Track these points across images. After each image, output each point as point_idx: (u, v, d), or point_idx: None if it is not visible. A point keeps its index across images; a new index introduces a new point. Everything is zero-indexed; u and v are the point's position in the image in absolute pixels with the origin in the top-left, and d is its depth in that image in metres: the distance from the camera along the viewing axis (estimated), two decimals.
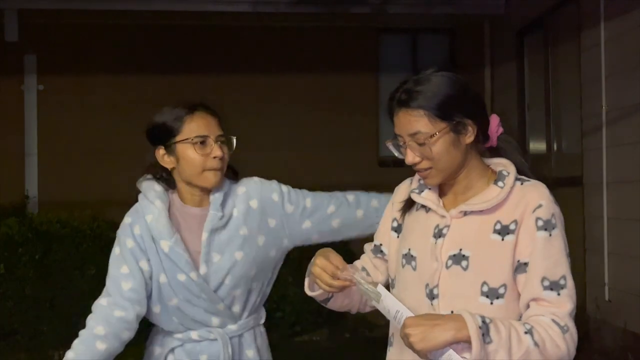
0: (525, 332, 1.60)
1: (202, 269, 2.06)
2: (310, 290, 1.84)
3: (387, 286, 1.85)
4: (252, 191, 2.14)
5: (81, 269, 5.77)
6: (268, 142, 6.84)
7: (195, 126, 2.08)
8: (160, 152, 2.16)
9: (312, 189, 2.27)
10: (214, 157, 2.06)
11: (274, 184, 2.19)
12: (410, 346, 1.57)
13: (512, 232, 1.66)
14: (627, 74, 4.78)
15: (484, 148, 1.80)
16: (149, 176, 2.19)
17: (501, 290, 1.66)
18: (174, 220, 2.09)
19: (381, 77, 7.31)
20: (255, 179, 2.19)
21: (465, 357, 1.56)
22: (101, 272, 6.85)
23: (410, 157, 1.71)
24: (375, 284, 1.71)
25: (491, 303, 1.66)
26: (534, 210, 1.66)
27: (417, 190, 1.81)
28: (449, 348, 1.57)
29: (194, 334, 2.12)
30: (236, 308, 2.11)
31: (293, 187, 2.25)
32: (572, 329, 1.64)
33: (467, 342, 1.56)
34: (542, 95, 6.19)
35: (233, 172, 2.21)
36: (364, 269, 1.91)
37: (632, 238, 4.69)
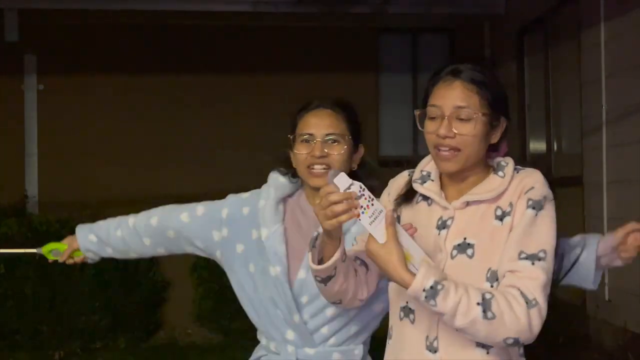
0: (478, 303, 1.58)
1: (301, 274, 1.99)
2: (316, 263, 1.73)
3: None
4: None
5: (81, 269, 5.76)
6: (268, 142, 6.83)
7: (304, 123, 2.04)
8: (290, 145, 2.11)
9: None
10: (313, 156, 1.99)
11: None
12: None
13: (509, 214, 1.69)
14: (627, 74, 4.77)
15: (491, 155, 1.81)
16: (279, 169, 2.16)
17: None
18: (292, 217, 2.06)
19: (381, 77, 7.31)
20: None
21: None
22: (101, 272, 6.87)
23: (445, 130, 1.68)
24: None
25: (491, 286, 1.66)
26: (526, 192, 1.69)
27: (419, 181, 1.80)
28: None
29: (272, 345, 2.06)
30: (324, 330, 2.00)
31: None
32: (542, 305, 1.61)
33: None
34: (542, 95, 6.19)
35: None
36: (357, 259, 1.84)
37: None
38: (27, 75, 6.77)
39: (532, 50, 6.52)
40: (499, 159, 1.79)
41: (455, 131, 1.68)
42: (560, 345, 5.09)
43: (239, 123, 6.89)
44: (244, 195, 2.16)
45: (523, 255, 1.65)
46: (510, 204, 1.69)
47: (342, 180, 1.59)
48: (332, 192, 1.59)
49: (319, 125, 2.01)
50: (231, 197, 2.17)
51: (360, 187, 1.60)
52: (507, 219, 1.69)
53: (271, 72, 6.98)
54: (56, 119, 6.74)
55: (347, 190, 1.59)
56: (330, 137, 2.01)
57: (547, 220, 1.68)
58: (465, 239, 1.70)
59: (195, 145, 6.83)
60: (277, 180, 2.10)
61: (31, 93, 6.78)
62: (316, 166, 1.99)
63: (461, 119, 1.69)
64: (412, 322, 1.75)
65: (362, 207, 1.59)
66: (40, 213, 6.42)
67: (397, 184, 1.88)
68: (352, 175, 1.92)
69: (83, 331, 5.79)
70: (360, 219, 1.61)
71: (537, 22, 6.26)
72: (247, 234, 2.07)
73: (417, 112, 1.78)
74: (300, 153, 2.01)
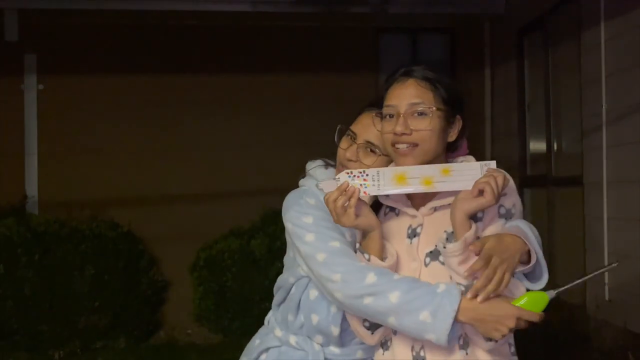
0: None
1: None
2: None
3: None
4: None
5: (81, 269, 5.77)
6: (268, 142, 6.83)
7: (356, 123, 1.99)
8: None
9: None
10: (350, 160, 1.94)
11: None
12: None
13: (480, 219, 1.70)
14: (627, 74, 4.77)
15: (451, 155, 1.82)
16: (320, 161, 2.10)
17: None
18: None
19: (381, 77, 7.30)
20: None
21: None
22: (100, 272, 6.85)
23: (402, 127, 1.70)
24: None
25: None
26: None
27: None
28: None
29: (292, 339, 2.04)
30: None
31: (292, 186, 2.20)
32: None
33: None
34: (542, 95, 6.18)
35: None
36: None
37: (632, 238, 4.69)
38: (27, 75, 6.76)
39: (532, 50, 6.52)
40: (460, 158, 1.80)
41: (412, 127, 1.70)
42: (560, 345, 5.09)
43: (239, 123, 6.90)
44: (300, 201, 1.98)
45: None
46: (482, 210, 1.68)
47: (330, 184, 1.68)
48: (328, 195, 1.68)
49: (364, 126, 1.95)
50: (296, 211, 1.96)
51: (347, 173, 1.69)
52: (478, 224, 1.69)
53: (271, 72, 6.98)
54: (56, 119, 6.73)
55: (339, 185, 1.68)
56: (369, 145, 1.95)
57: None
58: (436, 245, 1.71)
59: (195, 145, 6.83)
60: (323, 175, 2.03)
61: (31, 93, 6.78)
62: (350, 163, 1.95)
63: (416, 115, 1.71)
64: (394, 333, 1.78)
65: (361, 185, 1.67)
66: (39, 213, 6.42)
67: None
68: None
69: (83, 331, 5.78)
70: (368, 194, 1.68)
71: (537, 22, 6.26)
72: None
73: (373, 114, 1.80)
74: (342, 148, 1.99)
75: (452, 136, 1.76)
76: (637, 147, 4.65)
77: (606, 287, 5.03)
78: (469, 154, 1.84)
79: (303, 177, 2.13)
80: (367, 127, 1.93)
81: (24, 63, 6.75)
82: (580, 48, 5.41)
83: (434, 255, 1.71)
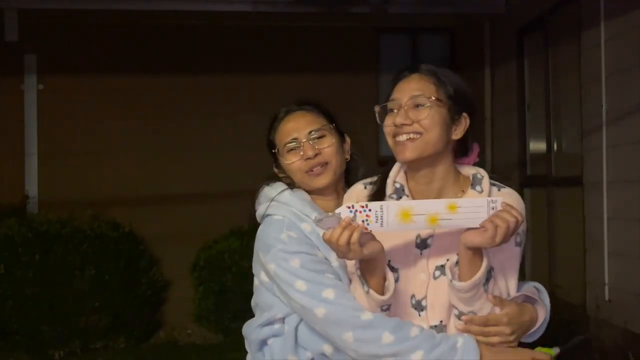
0: None
1: None
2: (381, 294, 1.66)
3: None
4: None
5: (81, 269, 5.77)
6: None
7: (284, 133, 1.96)
8: (275, 164, 2.00)
9: None
10: (309, 158, 1.90)
11: None
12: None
13: None
14: (627, 74, 4.77)
15: (459, 160, 1.79)
16: (281, 184, 1.96)
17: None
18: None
19: (381, 77, 7.31)
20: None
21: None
22: (101, 272, 6.84)
23: (402, 118, 1.69)
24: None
25: None
26: None
27: (395, 196, 1.75)
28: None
29: (326, 347, 1.81)
30: None
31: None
32: None
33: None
34: (542, 95, 6.18)
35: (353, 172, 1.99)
36: None
37: (632, 238, 4.69)
38: (27, 75, 6.76)
39: (532, 50, 6.52)
40: (472, 170, 1.77)
41: (412, 117, 1.68)
42: (560, 345, 5.09)
43: (239, 123, 6.89)
44: (282, 236, 1.87)
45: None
46: None
47: (330, 221, 1.56)
48: (329, 234, 1.58)
49: (299, 127, 1.94)
50: (285, 244, 1.86)
51: (348, 207, 1.57)
52: (492, 248, 1.66)
53: (271, 72, 6.98)
54: (56, 119, 6.73)
55: (340, 220, 1.56)
56: (315, 134, 1.94)
57: (520, 256, 1.73)
58: (448, 260, 1.68)
59: (195, 145, 6.83)
60: (304, 199, 1.92)
61: (31, 93, 6.77)
62: (314, 168, 1.91)
63: (416, 106, 1.69)
64: None
65: (363, 221, 1.56)
66: (40, 213, 6.42)
67: (352, 198, 1.80)
68: (347, 165, 1.96)
69: (83, 331, 5.78)
70: (370, 230, 1.58)
71: (537, 22, 6.26)
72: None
73: (376, 109, 1.79)
74: (292, 162, 1.92)
75: (458, 134, 1.73)
76: (637, 147, 4.65)
77: (606, 287, 5.03)
78: (478, 158, 1.81)
79: (257, 202, 2.01)
80: (287, 132, 1.94)
81: (24, 63, 6.75)
82: (580, 48, 5.41)
83: (444, 268, 1.69)
